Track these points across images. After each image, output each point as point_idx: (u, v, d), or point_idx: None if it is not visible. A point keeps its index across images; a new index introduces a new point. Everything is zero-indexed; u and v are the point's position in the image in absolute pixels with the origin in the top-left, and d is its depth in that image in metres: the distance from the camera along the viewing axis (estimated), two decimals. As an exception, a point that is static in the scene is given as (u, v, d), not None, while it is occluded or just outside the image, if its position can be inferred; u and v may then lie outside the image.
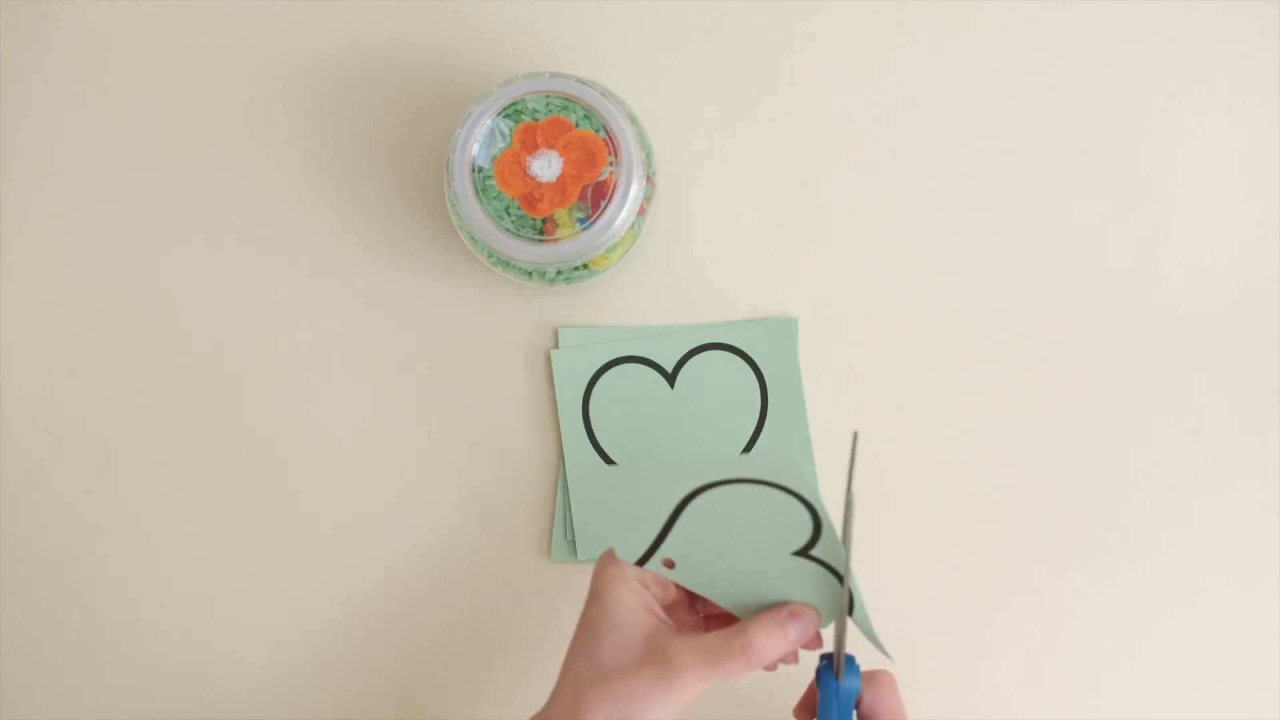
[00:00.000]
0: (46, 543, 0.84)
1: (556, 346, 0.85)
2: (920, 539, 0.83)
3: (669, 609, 0.70)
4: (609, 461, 0.84)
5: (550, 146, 0.78)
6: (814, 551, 0.67)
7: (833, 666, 0.68)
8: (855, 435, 0.66)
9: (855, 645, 0.69)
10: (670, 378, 0.84)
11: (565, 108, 0.78)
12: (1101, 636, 0.83)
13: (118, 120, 0.86)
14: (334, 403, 0.85)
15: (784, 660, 0.69)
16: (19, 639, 0.84)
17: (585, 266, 0.80)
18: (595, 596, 0.68)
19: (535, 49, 0.86)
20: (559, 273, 0.80)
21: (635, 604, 0.67)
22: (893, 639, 0.83)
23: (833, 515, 0.66)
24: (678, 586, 0.70)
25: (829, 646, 0.69)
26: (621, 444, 0.84)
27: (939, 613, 0.83)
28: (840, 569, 0.67)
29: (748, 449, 0.84)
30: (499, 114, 0.78)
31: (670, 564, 0.68)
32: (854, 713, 0.69)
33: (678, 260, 0.85)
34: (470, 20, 0.86)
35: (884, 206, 0.85)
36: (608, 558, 0.69)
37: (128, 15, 0.86)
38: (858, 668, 0.69)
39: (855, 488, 0.66)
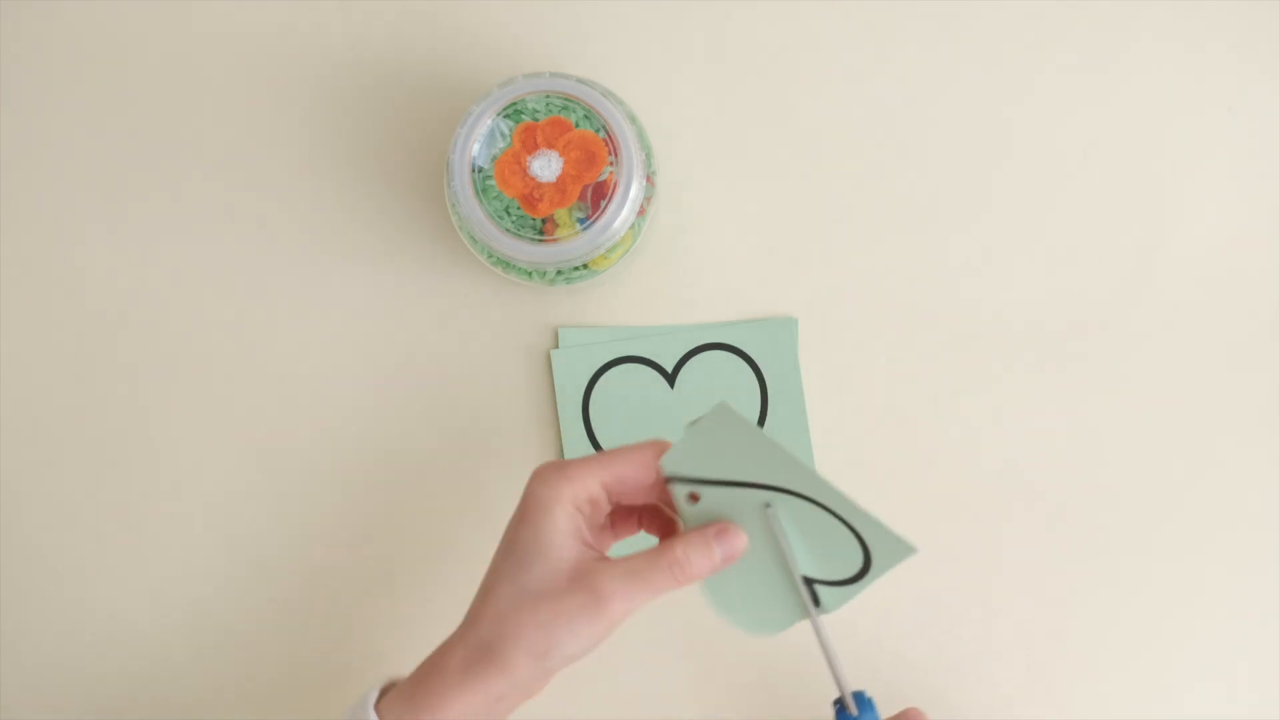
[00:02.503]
0: (45, 541, 0.84)
1: (556, 346, 0.85)
2: (920, 539, 0.83)
3: (600, 521, 0.69)
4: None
5: (550, 146, 0.78)
6: (820, 587, 0.68)
7: (845, 708, 0.69)
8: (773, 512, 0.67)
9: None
10: (670, 378, 0.84)
11: (565, 108, 0.78)
12: (1102, 636, 0.83)
13: (117, 121, 0.86)
14: (334, 402, 0.85)
15: None
16: (18, 636, 0.84)
17: (585, 266, 0.80)
18: (526, 518, 0.66)
19: (535, 49, 0.86)
20: (559, 273, 0.80)
21: (567, 529, 0.66)
22: (893, 639, 0.83)
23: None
24: (611, 509, 0.68)
25: (835, 690, 0.70)
26: (621, 444, 0.84)
27: (939, 613, 0.83)
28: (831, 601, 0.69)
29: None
30: (499, 114, 0.78)
31: (695, 499, 0.67)
32: None
33: (678, 260, 0.85)
34: (470, 20, 0.86)
35: (884, 206, 0.85)
36: (542, 475, 0.67)
37: (127, 17, 0.86)
38: (870, 701, 0.69)
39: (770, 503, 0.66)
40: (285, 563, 0.84)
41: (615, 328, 0.85)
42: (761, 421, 0.84)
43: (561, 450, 0.84)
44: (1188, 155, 0.85)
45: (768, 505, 0.66)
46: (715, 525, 0.67)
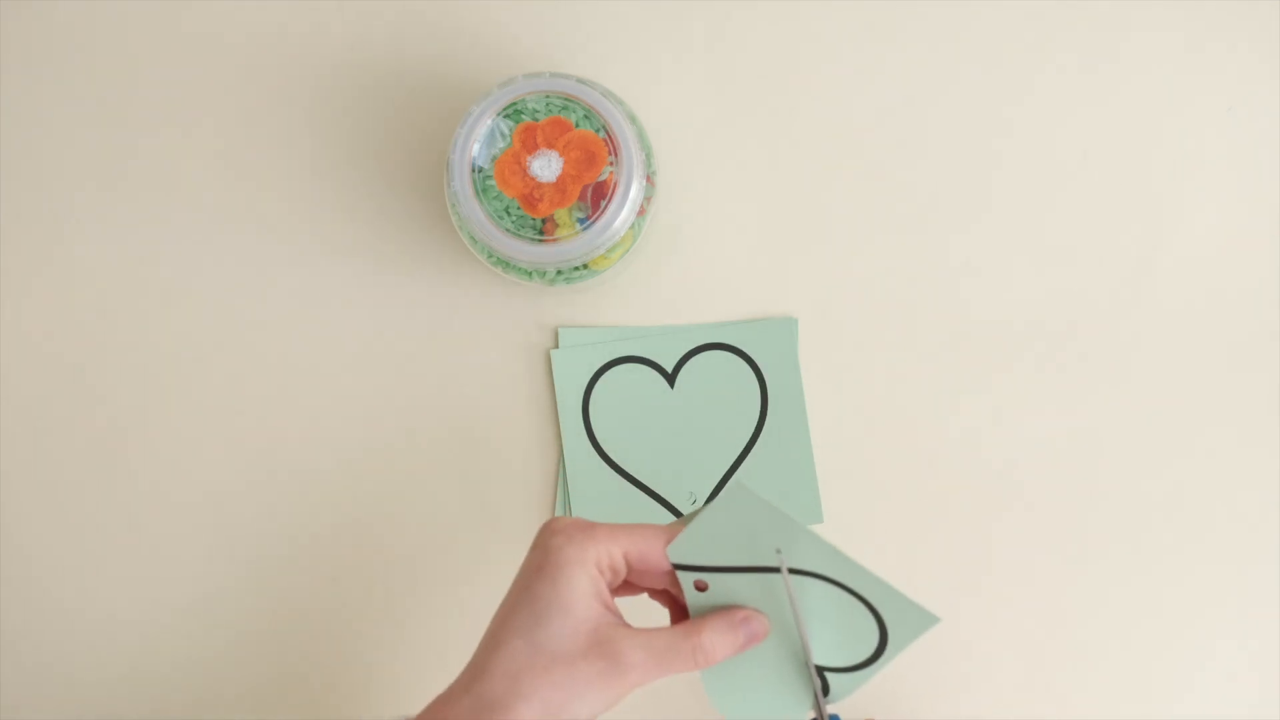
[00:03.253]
0: (44, 541, 0.84)
1: (556, 346, 0.85)
2: (920, 539, 0.83)
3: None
4: (609, 462, 0.84)
5: (550, 146, 0.78)
6: (831, 673, 0.67)
7: None
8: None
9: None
10: (670, 378, 0.84)
11: (565, 108, 0.78)
12: (1102, 637, 0.83)
13: (117, 121, 0.86)
14: (333, 402, 0.85)
15: None
16: (18, 636, 0.84)
17: (585, 266, 0.80)
18: (546, 573, 0.64)
19: (535, 49, 0.86)
20: (559, 273, 0.80)
21: (590, 590, 0.64)
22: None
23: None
24: (627, 572, 0.67)
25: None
26: (621, 444, 0.84)
27: (939, 612, 0.83)
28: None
29: (748, 449, 0.84)
30: (499, 114, 0.78)
31: (703, 588, 0.66)
32: None
33: (678, 260, 0.85)
34: (470, 20, 0.86)
35: (884, 206, 0.85)
36: (567, 532, 0.65)
37: (126, 17, 0.86)
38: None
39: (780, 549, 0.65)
40: (284, 562, 0.84)
41: (615, 328, 0.85)
42: (761, 422, 0.84)
43: (562, 451, 0.84)
44: (1187, 155, 0.85)
45: (785, 570, 0.64)
46: (740, 612, 0.66)
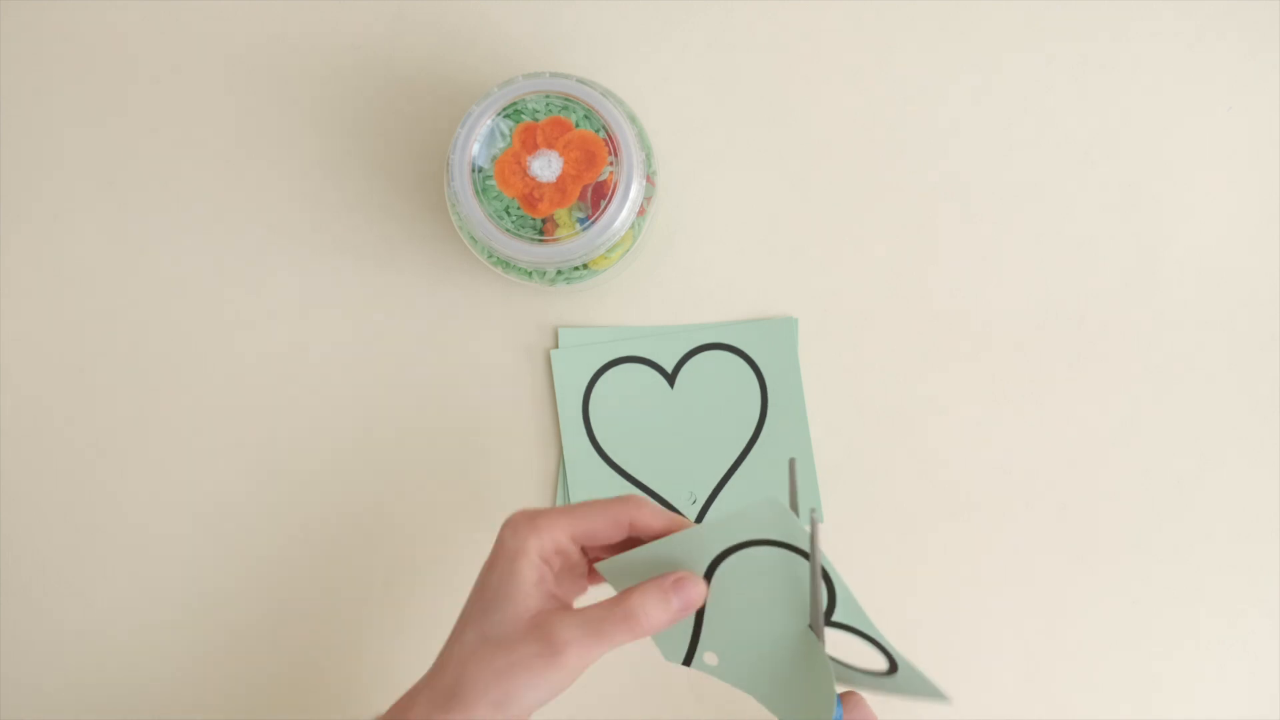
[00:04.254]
0: (44, 541, 0.84)
1: (556, 346, 0.85)
2: (920, 539, 0.83)
3: (570, 571, 0.69)
4: (609, 462, 0.84)
5: (550, 146, 0.78)
6: (836, 616, 0.67)
7: None
8: (792, 462, 0.66)
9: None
10: (670, 378, 0.84)
11: (565, 108, 0.78)
12: (1102, 636, 0.83)
13: (118, 122, 0.86)
14: (333, 403, 0.85)
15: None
16: (18, 637, 0.84)
17: (585, 266, 0.80)
18: (494, 566, 0.67)
19: (535, 49, 0.86)
20: (559, 273, 0.80)
21: (532, 578, 0.66)
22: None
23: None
24: (581, 551, 0.68)
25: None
26: (621, 444, 0.84)
27: (939, 613, 0.83)
28: (863, 629, 0.67)
29: (748, 449, 0.84)
30: (499, 114, 0.78)
31: (714, 659, 0.67)
32: None
33: (678, 260, 0.85)
34: (470, 20, 0.86)
35: (884, 207, 0.85)
36: (512, 525, 0.67)
37: (126, 15, 0.86)
38: (838, 697, 0.69)
39: (815, 509, 0.65)
40: (284, 562, 0.84)
41: (615, 328, 0.85)
42: (761, 422, 0.84)
43: (562, 451, 0.84)
44: (1188, 155, 0.85)
45: (816, 541, 0.64)
46: (672, 575, 0.67)
